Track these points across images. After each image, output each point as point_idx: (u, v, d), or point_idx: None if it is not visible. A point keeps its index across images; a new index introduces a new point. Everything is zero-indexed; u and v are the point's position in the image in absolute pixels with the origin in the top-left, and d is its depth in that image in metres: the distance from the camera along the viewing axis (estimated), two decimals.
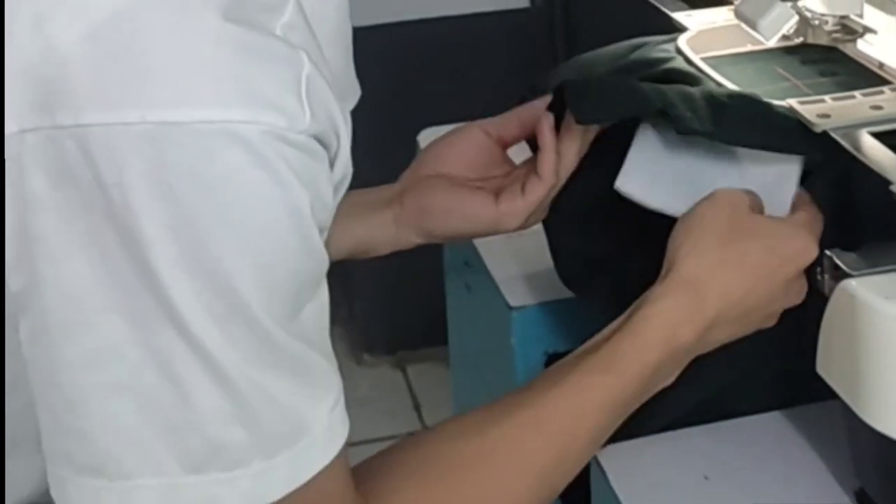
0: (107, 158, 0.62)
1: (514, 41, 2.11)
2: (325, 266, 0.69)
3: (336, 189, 0.70)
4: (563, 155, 0.97)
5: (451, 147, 1.04)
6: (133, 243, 0.63)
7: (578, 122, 0.94)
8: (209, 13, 0.63)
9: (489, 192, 0.99)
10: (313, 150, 0.66)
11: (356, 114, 0.91)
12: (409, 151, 1.44)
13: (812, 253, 0.87)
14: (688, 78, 1.00)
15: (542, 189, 0.97)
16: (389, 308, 2.31)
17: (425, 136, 1.47)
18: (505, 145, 1.04)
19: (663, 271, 0.87)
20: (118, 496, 0.66)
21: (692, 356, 0.86)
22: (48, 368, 0.66)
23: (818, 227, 0.90)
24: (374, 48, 2.03)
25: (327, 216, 0.69)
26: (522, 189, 0.97)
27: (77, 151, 0.62)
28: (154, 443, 0.65)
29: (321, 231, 0.68)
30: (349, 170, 0.72)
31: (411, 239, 1.02)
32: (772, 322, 0.89)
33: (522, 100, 1.10)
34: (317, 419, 0.69)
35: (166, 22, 0.63)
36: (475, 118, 1.50)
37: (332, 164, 0.69)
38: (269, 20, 0.66)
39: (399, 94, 2.07)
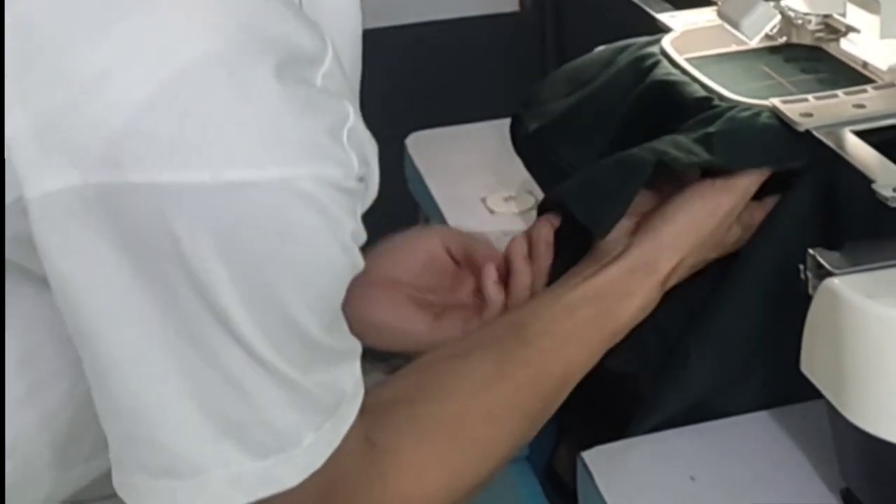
0: (178, 215, 0.65)
1: (503, 45, 2.11)
2: (360, 268, 0.75)
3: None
4: (513, 295, 0.98)
5: (403, 251, 1.05)
6: (201, 287, 0.67)
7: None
8: (264, 71, 0.66)
9: (428, 313, 1.01)
10: (359, 190, 0.72)
11: None
12: (398, 156, 1.45)
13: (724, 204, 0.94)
14: (668, 88, 1.00)
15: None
16: None
17: (413, 140, 1.47)
18: (456, 264, 1.04)
19: (660, 242, 0.94)
20: (192, 491, 0.71)
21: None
22: (117, 393, 0.70)
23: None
24: (363, 53, 2.02)
25: (363, 235, 0.74)
26: (463, 320, 0.99)
27: (147, 207, 0.65)
28: (221, 440, 0.70)
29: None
30: (376, 190, 0.76)
31: None
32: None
33: (515, 118, 1.10)
34: (349, 382, 0.75)
35: (226, 83, 0.65)
36: (464, 122, 1.51)
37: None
38: (312, 72, 0.70)
39: (388, 98, 2.07)
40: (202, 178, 0.65)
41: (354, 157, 0.70)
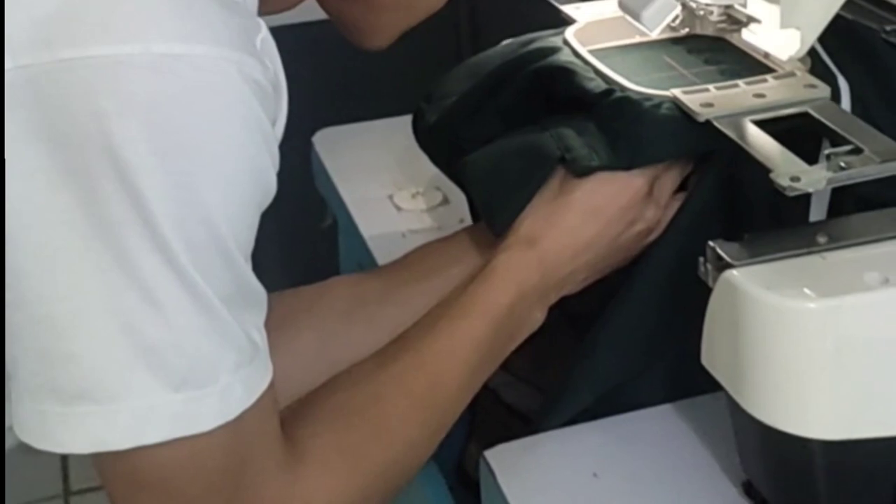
0: (109, 88, 0.65)
1: (415, 39, 2.09)
2: (272, 197, 0.76)
3: None
4: None
5: None
6: (126, 172, 0.66)
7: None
8: None
9: None
10: (273, 97, 0.74)
11: None
12: (305, 153, 1.42)
13: (634, 184, 0.94)
14: (570, 76, 0.99)
15: None
16: None
17: (321, 138, 1.45)
18: None
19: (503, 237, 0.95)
20: (103, 419, 0.69)
21: (549, 296, 0.94)
22: (37, 302, 0.68)
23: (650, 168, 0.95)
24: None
25: (277, 156, 0.75)
26: None
27: (77, 83, 0.65)
28: (136, 364, 0.69)
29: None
30: (283, 122, 0.78)
31: None
32: (634, 245, 0.96)
33: (417, 112, 1.09)
34: (260, 340, 0.75)
35: None
36: (374, 118, 1.49)
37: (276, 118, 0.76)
38: None
39: (294, 95, 2.04)
40: (133, 50, 0.66)
41: (268, 62, 0.73)
